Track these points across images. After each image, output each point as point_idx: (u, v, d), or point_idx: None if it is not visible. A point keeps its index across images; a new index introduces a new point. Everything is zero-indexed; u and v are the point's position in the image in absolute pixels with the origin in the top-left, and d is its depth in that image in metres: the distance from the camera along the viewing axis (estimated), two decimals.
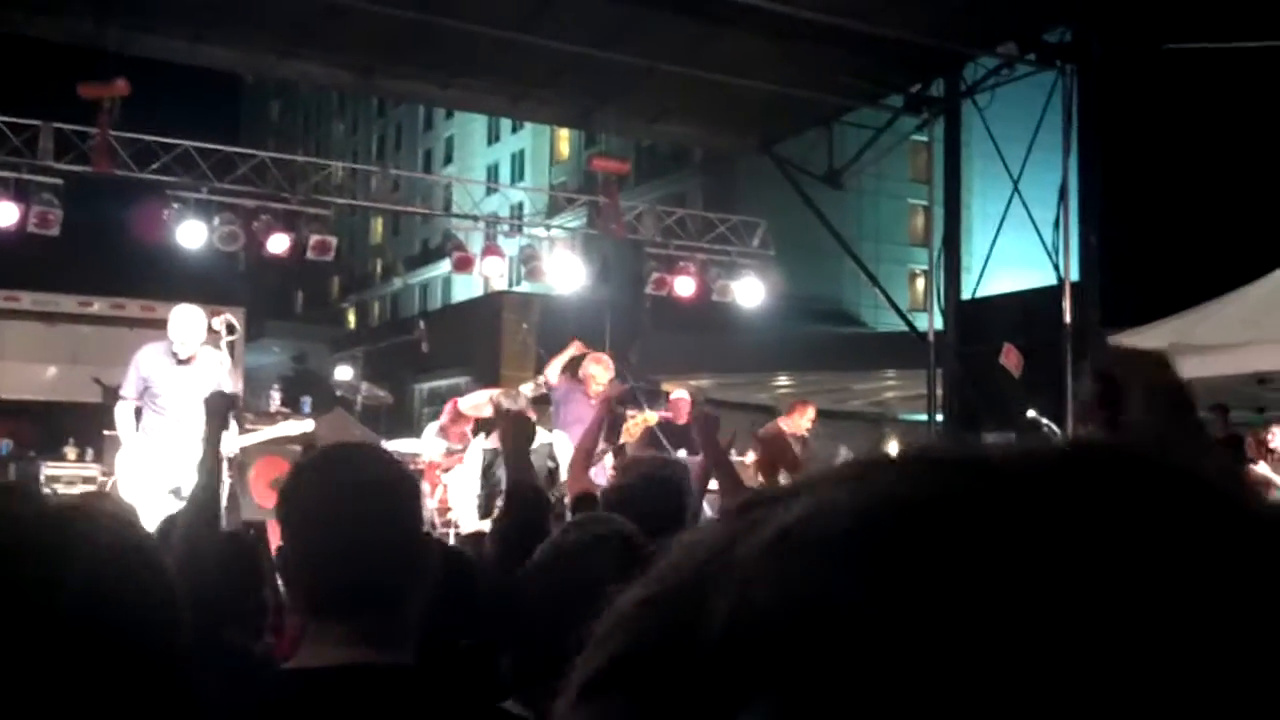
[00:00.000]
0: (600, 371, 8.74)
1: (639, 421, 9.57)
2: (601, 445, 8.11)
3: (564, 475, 7.12)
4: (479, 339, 25.10)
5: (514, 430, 3.47)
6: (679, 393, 12.52)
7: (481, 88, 13.11)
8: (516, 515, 3.30)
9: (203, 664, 2.63)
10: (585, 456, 4.85)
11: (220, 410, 3.41)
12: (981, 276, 12.10)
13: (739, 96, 12.50)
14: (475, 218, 14.12)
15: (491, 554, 3.43)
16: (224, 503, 7.66)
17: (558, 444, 7.52)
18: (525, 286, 22.59)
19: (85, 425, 10.92)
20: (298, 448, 10.13)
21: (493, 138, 52.49)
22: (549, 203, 21.20)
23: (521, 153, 50.62)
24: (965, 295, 12.47)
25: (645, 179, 35.48)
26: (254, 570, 3.51)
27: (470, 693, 1.89)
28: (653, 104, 13.22)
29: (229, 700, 1.86)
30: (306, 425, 8.83)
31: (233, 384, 7.70)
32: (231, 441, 7.40)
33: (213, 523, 3.04)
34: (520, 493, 3.33)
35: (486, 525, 6.75)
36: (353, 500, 1.83)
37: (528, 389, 8.33)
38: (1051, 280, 11.43)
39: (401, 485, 1.92)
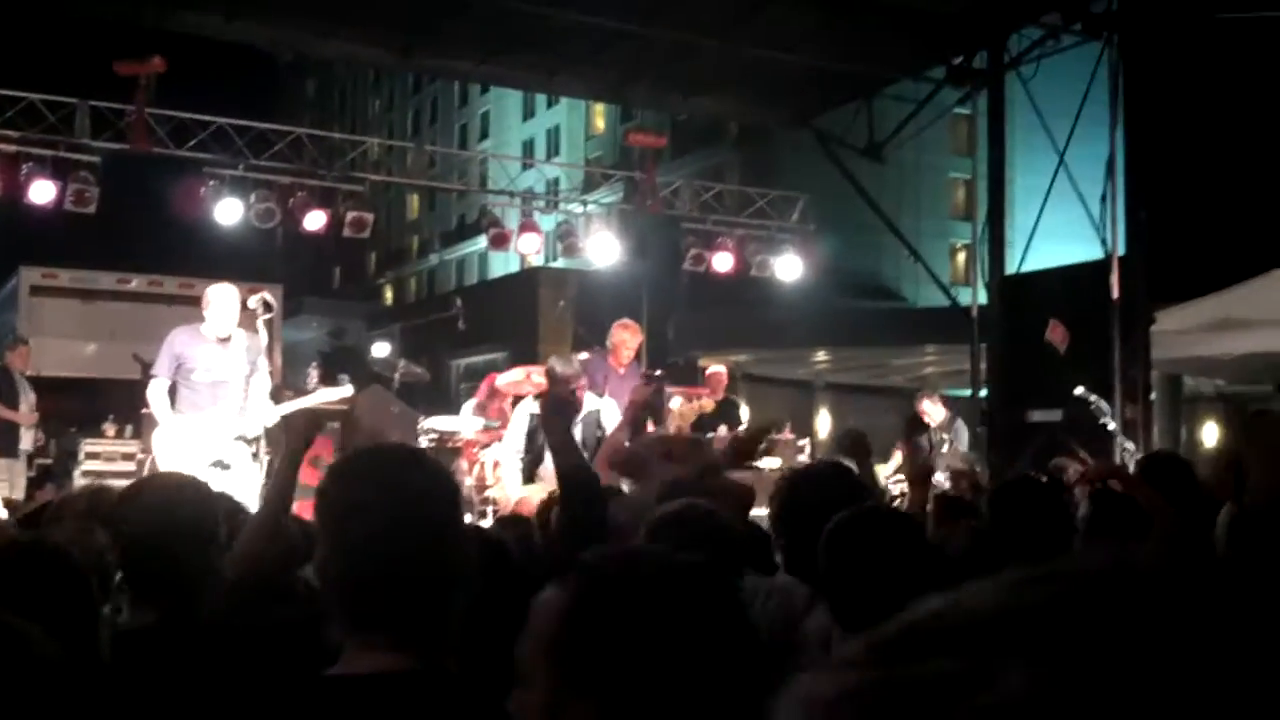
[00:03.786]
0: (629, 337, 8.56)
1: (694, 405, 9.40)
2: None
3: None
4: (515, 315, 25.07)
5: (552, 410, 3.32)
6: (715, 367, 12.44)
7: (517, 63, 13.00)
8: (572, 507, 3.19)
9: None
10: (611, 454, 4.74)
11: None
12: (1026, 251, 11.90)
13: (777, 70, 12.33)
14: (511, 194, 14.04)
15: (555, 550, 3.35)
16: (263, 480, 7.66)
17: (605, 411, 7.37)
18: (561, 262, 22.51)
19: (124, 402, 10.94)
20: (336, 424, 10.12)
21: (528, 113, 52.36)
22: (585, 178, 21.09)
23: (557, 128, 50.49)
24: (1009, 270, 12.28)
25: (681, 153, 35.27)
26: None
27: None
28: (689, 78, 13.07)
29: (271, 705, 1.80)
30: (344, 391, 8.76)
31: (270, 364, 7.63)
32: (265, 416, 7.38)
33: (275, 537, 2.97)
34: (572, 479, 3.21)
35: (529, 491, 6.68)
36: (389, 507, 1.77)
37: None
38: (1096, 254, 11.22)
39: (439, 488, 1.84)
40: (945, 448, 10.71)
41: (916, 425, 11.08)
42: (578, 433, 7.20)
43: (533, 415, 7.25)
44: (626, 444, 4.79)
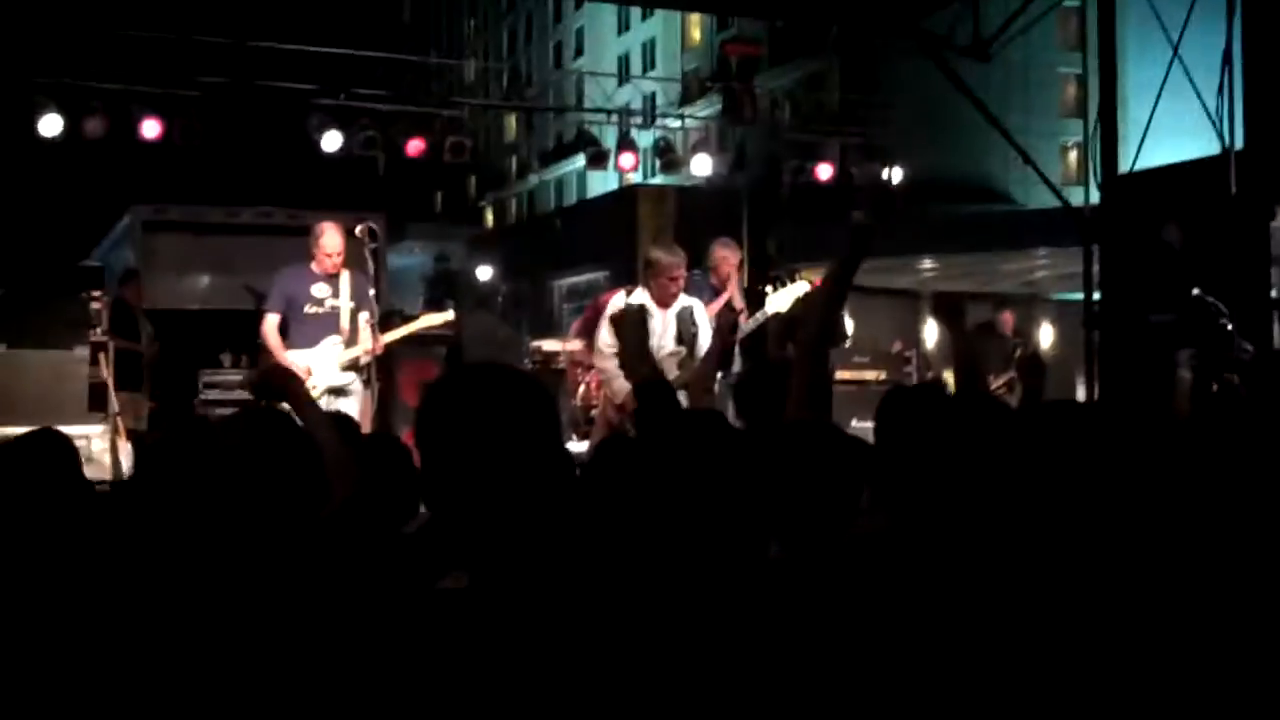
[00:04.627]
0: (729, 255, 8.42)
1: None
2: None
3: (701, 338, 6.99)
4: (615, 233, 25.05)
5: (627, 321, 3.25)
6: (816, 277, 12.31)
7: None
8: (646, 414, 3.18)
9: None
10: (704, 383, 4.74)
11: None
12: (1140, 148, 11.49)
13: None
14: (608, 112, 13.96)
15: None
16: (373, 406, 7.86)
17: (697, 309, 7.30)
18: (660, 179, 22.40)
19: (239, 333, 11.20)
20: (443, 349, 10.26)
21: (623, 27, 51.83)
22: (682, 91, 20.84)
23: (652, 41, 49.90)
24: (1122, 168, 11.89)
25: (780, 61, 34.67)
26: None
27: None
28: None
29: (376, 615, 1.86)
30: (446, 315, 8.86)
31: (377, 292, 7.80)
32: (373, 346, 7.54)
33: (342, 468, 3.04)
34: (644, 389, 3.19)
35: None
36: (488, 425, 1.82)
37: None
38: (1214, 150, 10.79)
39: (535, 405, 1.87)
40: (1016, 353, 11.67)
41: (989, 330, 11.52)
42: (672, 329, 7.17)
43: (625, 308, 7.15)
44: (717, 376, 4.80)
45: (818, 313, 3.68)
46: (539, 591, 1.78)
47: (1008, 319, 12.15)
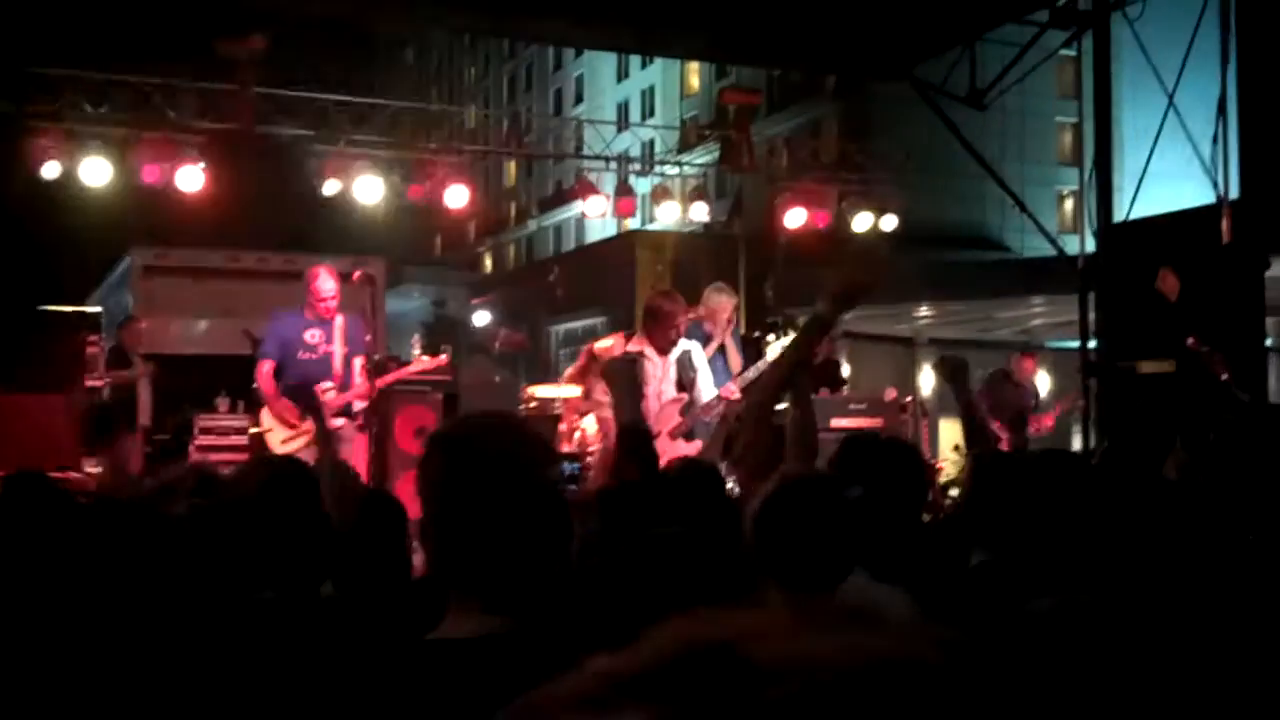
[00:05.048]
0: (727, 299, 8.40)
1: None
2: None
3: (700, 381, 7.04)
4: (613, 279, 25.12)
5: (617, 371, 3.35)
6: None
7: (608, 26, 12.90)
8: (632, 458, 3.20)
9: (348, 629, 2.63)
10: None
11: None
12: (1135, 197, 11.54)
13: (875, 19, 12.08)
14: (607, 159, 14.01)
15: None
16: (369, 450, 7.85)
17: (695, 352, 7.31)
18: (658, 225, 22.49)
19: (236, 377, 11.19)
20: (440, 395, 10.25)
21: (622, 74, 52.21)
22: (680, 138, 20.97)
23: (652, 88, 50.26)
24: (1118, 216, 11.95)
25: (778, 108, 34.92)
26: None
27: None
28: (784, 33, 12.86)
29: (368, 668, 1.86)
30: (440, 360, 8.88)
31: (373, 337, 7.81)
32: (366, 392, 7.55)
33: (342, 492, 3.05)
34: (628, 432, 3.22)
35: None
36: (484, 475, 1.84)
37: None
38: (1209, 198, 10.84)
39: (533, 456, 1.89)
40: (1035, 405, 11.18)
41: (1005, 379, 11.26)
42: (672, 375, 7.18)
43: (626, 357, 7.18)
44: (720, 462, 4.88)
45: (768, 384, 3.78)
46: (571, 634, 1.79)
47: (1028, 366, 11.53)
